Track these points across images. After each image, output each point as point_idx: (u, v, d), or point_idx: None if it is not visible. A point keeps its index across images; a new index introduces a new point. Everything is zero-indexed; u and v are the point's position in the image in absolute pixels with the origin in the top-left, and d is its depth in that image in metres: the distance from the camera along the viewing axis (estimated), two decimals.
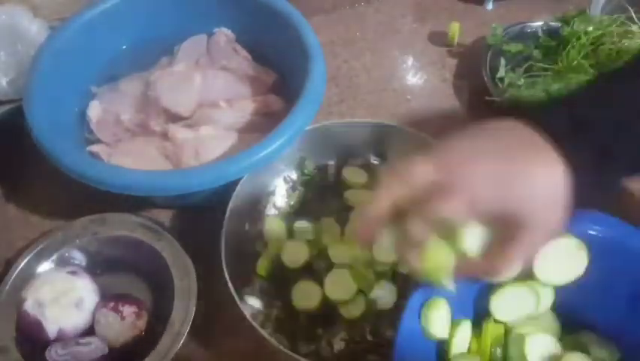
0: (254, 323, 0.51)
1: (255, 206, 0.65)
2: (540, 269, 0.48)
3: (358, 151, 0.68)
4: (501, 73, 0.78)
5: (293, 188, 0.67)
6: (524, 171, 0.37)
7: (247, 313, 0.52)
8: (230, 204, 0.58)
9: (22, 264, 0.59)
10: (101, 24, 0.71)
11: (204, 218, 0.63)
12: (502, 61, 0.79)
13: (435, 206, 0.37)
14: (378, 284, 0.58)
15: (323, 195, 0.67)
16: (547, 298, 0.50)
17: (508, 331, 0.51)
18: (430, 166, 0.38)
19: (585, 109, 0.39)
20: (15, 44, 0.72)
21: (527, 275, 0.48)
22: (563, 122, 0.38)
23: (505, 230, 0.38)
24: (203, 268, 0.59)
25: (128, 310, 0.57)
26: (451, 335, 0.48)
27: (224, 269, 0.54)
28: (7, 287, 0.58)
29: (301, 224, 0.63)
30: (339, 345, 0.57)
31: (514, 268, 0.41)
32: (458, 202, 0.37)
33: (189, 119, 0.70)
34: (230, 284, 0.53)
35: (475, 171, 0.37)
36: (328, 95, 0.68)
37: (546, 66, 0.77)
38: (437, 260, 0.39)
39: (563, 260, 0.48)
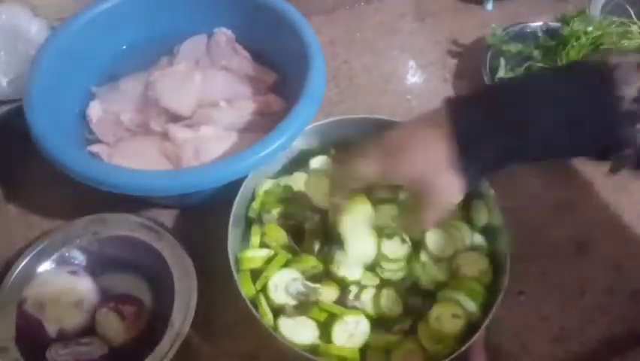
0: (259, 318, 0.52)
1: None
2: None
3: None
4: (501, 73, 0.78)
5: None
6: (412, 147, 0.47)
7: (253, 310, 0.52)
8: (236, 203, 0.58)
9: (23, 264, 0.59)
10: (101, 24, 0.71)
11: (204, 218, 0.63)
12: (502, 61, 0.79)
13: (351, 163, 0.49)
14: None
15: None
16: None
17: None
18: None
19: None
20: (15, 44, 0.72)
21: None
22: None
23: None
24: (203, 268, 0.59)
25: (129, 310, 0.57)
26: None
27: (232, 266, 0.54)
28: (8, 287, 0.58)
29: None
30: None
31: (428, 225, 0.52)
32: (365, 163, 0.48)
33: (189, 119, 0.70)
34: (237, 280, 0.53)
35: (379, 149, 0.48)
36: (328, 95, 0.68)
37: (546, 66, 0.77)
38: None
39: None
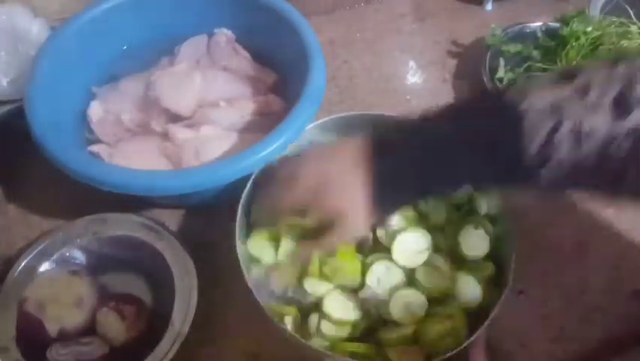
0: (270, 316, 0.52)
1: None
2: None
3: None
4: (500, 73, 0.78)
5: None
6: (334, 184, 0.51)
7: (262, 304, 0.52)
8: (242, 200, 0.58)
9: (23, 264, 0.59)
10: (102, 24, 0.71)
11: (205, 218, 0.63)
12: (502, 61, 0.79)
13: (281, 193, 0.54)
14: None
15: None
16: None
17: None
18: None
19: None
20: (15, 44, 0.72)
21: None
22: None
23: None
24: (203, 268, 0.59)
25: (129, 309, 0.58)
26: None
27: (242, 264, 0.54)
28: (8, 287, 0.58)
29: None
30: None
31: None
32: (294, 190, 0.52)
33: (190, 119, 0.70)
34: (245, 274, 0.53)
35: (305, 180, 0.52)
36: (328, 95, 0.68)
37: (545, 66, 0.77)
38: None
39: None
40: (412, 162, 0.49)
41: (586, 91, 0.41)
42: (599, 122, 0.40)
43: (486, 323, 0.52)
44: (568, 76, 0.43)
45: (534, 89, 0.43)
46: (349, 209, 0.50)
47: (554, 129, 0.41)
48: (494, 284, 0.57)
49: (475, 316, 0.55)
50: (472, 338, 0.51)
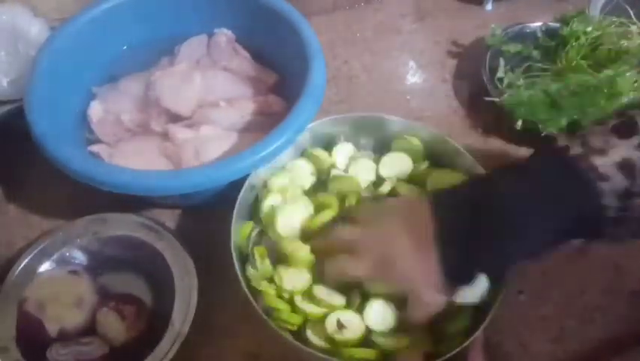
0: (264, 316, 0.52)
1: None
2: None
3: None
4: (500, 73, 0.78)
5: None
6: (401, 257, 0.49)
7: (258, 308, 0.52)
8: (238, 201, 0.58)
9: (23, 264, 0.59)
10: (102, 24, 0.71)
11: (205, 218, 0.63)
12: (502, 61, 0.79)
13: (343, 258, 0.52)
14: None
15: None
16: None
17: None
18: (349, 234, 0.53)
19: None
20: (15, 44, 0.72)
21: None
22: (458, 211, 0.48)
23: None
24: (203, 268, 0.59)
25: (129, 309, 0.58)
26: None
27: (235, 264, 0.54)
28: (8, 287, 0.58)
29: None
30: None
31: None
32: (357, 266, 0.51)
33: (190, 119, 0.70)
34: (240, 277, 0.53)
35: (370, 251, 0.51)
36: (328, 95, 0.68)
37: (545, 66, 0.77)
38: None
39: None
40: (480, 223, 0.46)
41: None
42: None
43: (484, 324, 0.52)
44: (624, 128, 0.43)
45: (598, 142, 0.42)
46: (420, 281, 0.48)
47: (630, 187, 0.41)
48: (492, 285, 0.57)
49: (474, 316, 0.55)
50: (470, 339, 0.51)
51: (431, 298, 0.49)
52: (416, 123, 0.67)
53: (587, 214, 0.43)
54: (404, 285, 0.50)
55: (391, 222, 0.51)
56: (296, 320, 0.54)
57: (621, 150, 0.42)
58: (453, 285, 0.49)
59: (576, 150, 0.43)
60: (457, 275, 0.48)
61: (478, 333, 0.52)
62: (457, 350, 0.51)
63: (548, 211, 0.44)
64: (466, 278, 0.50)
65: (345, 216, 0.57)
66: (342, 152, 0.66)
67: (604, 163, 0.42)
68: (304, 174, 0.64)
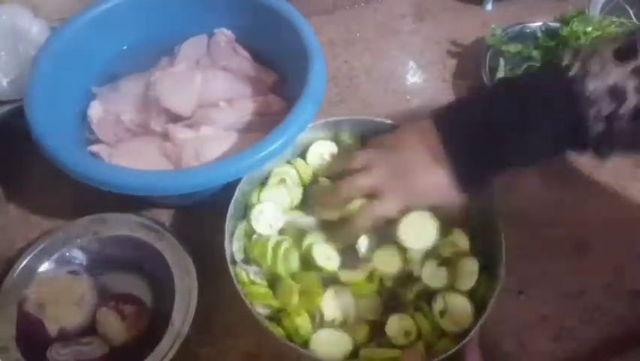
0: (259, 318, 0.52)
1: None
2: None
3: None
4: (500, 73, 0.78)
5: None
6: (414, 171, 0.54)
7: (252, 310, 0.52)
8: (233, 201, 0.58)
9: (23, 264, 0.60)
10: (102, 24, 0.71)
11: (204, 218, 0.63)
12: (502, 61, 0.79)
13: (356, 177, 0.56)
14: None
15: None
16: None
17: None
18: (363, 156, 0.58)
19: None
20: (15, 45, 0.72)
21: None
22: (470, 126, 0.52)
23: None
24: (203, 268, 0.59)
25: (129, 309, 0.58)
26: None
27: (229, 266, 0.54)
28: (8, 287, 0.58)
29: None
30: None
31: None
32: (368, 178, 0.56)
33: (189, 119, 0.70)
34: (234, 279, 0.54)
35: (382, 166, 0.55)
36: (328, 95, 0.68)
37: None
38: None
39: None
40: (483, 131, 0.51)
41: None
42: None
43: (479, 323, 0.52)
44: (626, 51, 0.46)
45: (596, 66, 0.47)
46: (430, 191, 0.54)
47: (614, 112, 0.46)
48: (489, 284, 0.57)
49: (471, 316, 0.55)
50: (467, 338, 0.51)
51: (449, 202, 0.54)
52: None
53: (574, 130, 0.48)
54: (421, 199, 0.55)
55: (400, 149, 0.56)
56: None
57: (614, 75, 0.46)
58: (464, 189, 0.53)
59: (574, 70, 0.48)
60: (467, 180, 0.53)
61: (474, 333, 0.52)
62: (455, 349, 0.51)
63: (541, 120, 0.49)
64: (475, 183, 0.54)
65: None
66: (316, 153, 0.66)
67: (595, 88, 0.46)
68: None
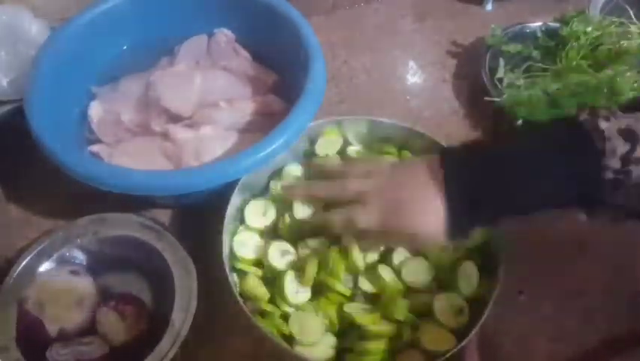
0: (256, 322, 0.52)
1: None
2: None
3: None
4: (500, 73, 0.78)
5: None
6: (412, 202, 0.51)
7: (247, 311, 0.52)
8: (231, 202, 0.58)
9: (23, 264, 0.60)
10: (102, 24, 0.71)
11: (204, 218, 0.63)
12: (502, 61, 0.79)
13: (353, 210, 0.53)
14: None
15: None
16: None
17: None
18: (361, 184, 0.54)
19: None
20: (15, 44, 0.72)
21: None
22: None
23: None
24: (203, 268, 0.59)
25: (129, 309, 0.58)
26: None
27: (226, 267, 0.54)
28: (8, 287, 0.58)
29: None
30: None
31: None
32: (367, 216, 0.52)
33: (190, 119, 0.70)
34: (230, 280, 0.54)
35: (380, 202, 0.52)
36: (328, 95, 0.68)
37: (545, 66, 0.77)
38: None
39: None
40: (489, 177, 0.48)
41: None
42: None
43: (479, 323, 0.52)
44: (632, 107, 0.47)
45: (606, 112, 0.46)
46: (422, 230, 0.50)
47: (629, 152, 0.44)
48: (488, 283, 0.57)
49: (470, 316, 0.55)
50: (467, 339, 0.51)
51: (437, 242, 0.51)
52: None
53: (588, 171, 0.45)
54: (410, 230, 0.51)
55: (402, 173, 0.54)
56: (286, 328, 0.55)
57: (625, 120, 0.45)
58: (454, 233, 0.50)
59: (584, 116, 0.47)
60: (459, 224, 0.50)
61: (473, 333, 0.52)
62: (454, 350, 0.51)
63: (552, 162, 0.47)
64: (469, 228, 0.51)
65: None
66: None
67: (608, 127, 0.45)
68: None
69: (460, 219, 0.49)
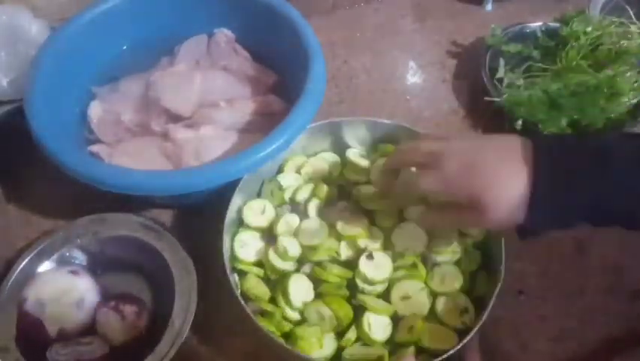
0: (257, 321, 0.52)
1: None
2: None
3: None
4: (500, 73, 0.78)
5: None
6: (491, 171, 0.46)
7: (249, 311, 0.52)
8: (232, 202, 0.58)
9: (23, 264, 0.60)
10: (102, 24, 0.71)
11: (204, 218, 0.63)
12: (502, 61, 0.79)
13: (418, 176, 0.50)
14: None
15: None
16: None
17: None
18: (430, 147, 0.50)
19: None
20: (15, 44, 0.72)
21: None
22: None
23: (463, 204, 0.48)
24: (203, 268, 0.59)
25: (129, 309, 0.58)
26: None
27: (226, 267, 0.54)
28: (8, 287, 0.58)
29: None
30: None
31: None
32: (433, 178, 0.48)
33: (189, 119, 0.70)
34: (231, 280, 0.54)
35: (454, 161, 0.48)
36: (328, 95, 0.68)
37: (545, 66, 0.77)
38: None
39: None
40: (590, 155, 0.43)
41: None
42: None
43: (479, 323, 0.52)
44: None
45: None
46: (494, 200, 0.45)
47: None
48: (489, 284, 0.57)
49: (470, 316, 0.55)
50: (467, 338, 0.51)
51: (497, 215, 0.46)
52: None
53: None
54: (478, 194, 0.46)
55: (485, 139, 0.50)
56: (286, 327, 0.55)
57: None
58: (535, 219, 0.45)
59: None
60: (542, 211, 0.44)
61: (474, 333, 0.52)
62: (454, 350, 0.51)
63: None
64: (546, 219, 0.45)
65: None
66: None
67: None
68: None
69: (543, 205, 0.43)
